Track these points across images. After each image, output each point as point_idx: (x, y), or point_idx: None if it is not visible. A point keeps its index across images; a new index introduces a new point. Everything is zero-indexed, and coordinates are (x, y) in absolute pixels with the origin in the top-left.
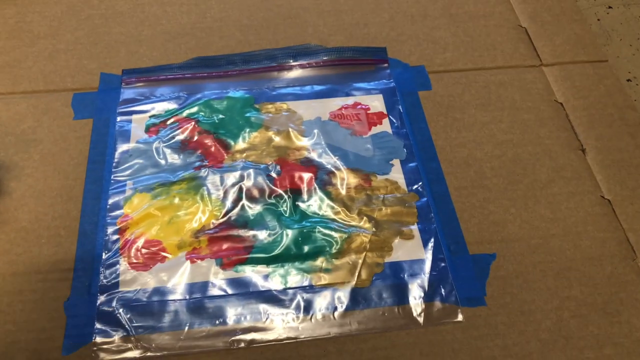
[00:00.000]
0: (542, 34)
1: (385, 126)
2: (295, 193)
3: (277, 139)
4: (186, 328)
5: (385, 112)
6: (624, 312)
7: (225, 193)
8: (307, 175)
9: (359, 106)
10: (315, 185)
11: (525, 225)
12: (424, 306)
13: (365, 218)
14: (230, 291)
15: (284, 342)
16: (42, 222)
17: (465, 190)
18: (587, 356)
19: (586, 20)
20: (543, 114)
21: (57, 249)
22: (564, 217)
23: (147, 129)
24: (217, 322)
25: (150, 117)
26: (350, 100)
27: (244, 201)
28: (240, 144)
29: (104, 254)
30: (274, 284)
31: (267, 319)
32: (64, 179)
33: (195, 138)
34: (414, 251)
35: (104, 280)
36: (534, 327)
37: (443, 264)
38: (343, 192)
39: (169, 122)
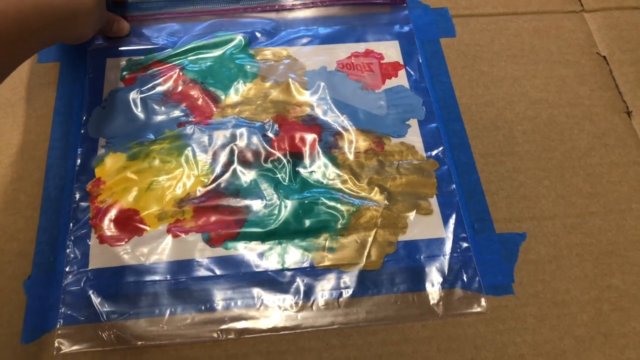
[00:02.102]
0: None
1: (402, 79)
2: (296, 157)
3: (275, 92)
4: (167, 314)
5: (401, 62)
6: None
7: (214, 155)
8: (309, 137)
9: (371, 54)
10: (319, 148)
11: (561, 200)
12: (442, 294)
13: (376, 189)
14: (218, 272)
15: (280, 333)
16: (0, 185)
17: (493, 157)
18: (629, 356)
19: None
20: (583, 69)
21: (15, 216)
22: (605, 191)
23: (123, 77)
24: (203, 307)
25: (127, 61)
26: (361, 48)
27: (236, 165)
28: (232, 97)
29: (71, 224)
30: (270, 263)
31: (261, 305)
32: (25, 133)
33: (180, 88)
34: (433, 229)
35: (71, 256)
36: (569, 321)
37: (466, 245)
38: (351, 157)
39: (149, 70)
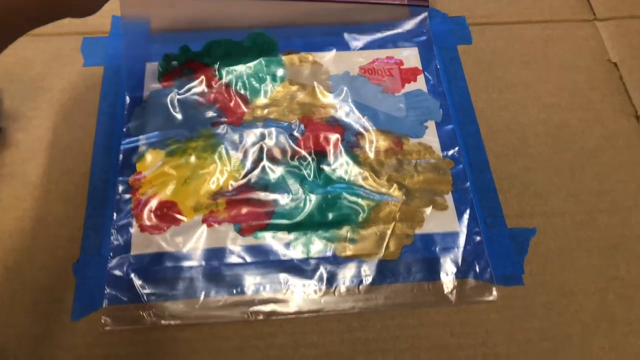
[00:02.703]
0: None
1: (420, 84)
2: (320, 155)
3: (301, 95)
4: (202, 296)
5: (420, 67)
6: None
7: (245, 153)
8: (333, 136)
9: (392, 60)
10: (342, 147)
11: (570, 198)
12: (456, 283)
13: (395, 185)
14: (248, 259)
15: (305, 315)
16: (51, 176)
17: (506, 157)
18: (632, 342)
19: None
20: (594, 75)
21: (66, 206)
22: (613, 190)
23: (161, 76)
24: (234, 291)
25: (163, 57)
26: (382, 54)
27: (265, 162)
28: (262, 99)
29: (114, 214)
30: (296, 253)
31: (287, 290)
32: (74, 131)
33: (214, 90)
34: (448, 223)
35: (115, 242)
36: (575, 308)
37: (478, 238)
38: (372, 155)
39: (184, 71)
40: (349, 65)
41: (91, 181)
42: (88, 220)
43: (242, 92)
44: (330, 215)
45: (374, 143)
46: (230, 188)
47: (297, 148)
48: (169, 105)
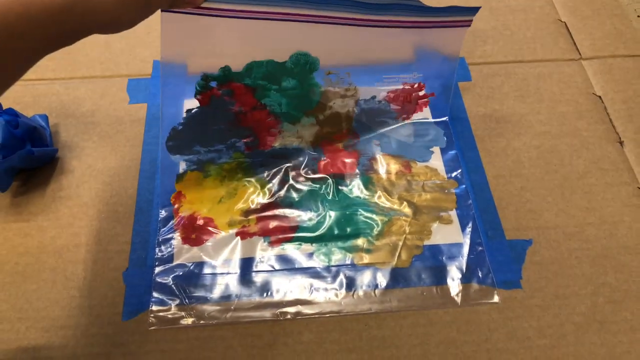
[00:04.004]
0: (581, 28)
1: (427, 114)
2: (338, 177)
3: (327, 128)
4: (236, 300)
5: (427, 99)
6: None
7: (273, 175)
8: (349, 160)
9: (411, 91)
10: (358, 170)
11: (562, 213)
12: (461, 287)
13: (405, 203)
14: (277, 267)
15: (327, 315)
16: (102, 198)
17: (503, 178)
18: (620, 340)
19: (627, 15)
20: (581, 107)
21: (115, 223)
22: (600, 207)
23: (198, 94)
24: (264, 294)
25: (202, 77)
26: (400, 85)
27: (290, 183)
28: (291, 126)
29: (159, 229)
30: (318, 262)
31: (311, 293)
32: (121, 159)
33: (250, 113)
34: (453, 235)
35: (159, 254)
36: (569, 310)
37: (480, 248)
38: (384, 177)
39: (222, 90)
40: (377, 91)
41: (137, 202)
42: (135, 235)
43: (278, 117)
44: (348, 229)
45: (385, 167)
46: (259, 206)
47: (318, 171)
48: (206, 125)
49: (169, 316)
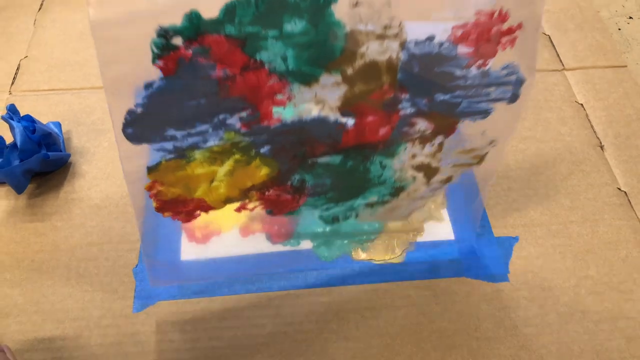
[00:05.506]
0: (564, 41)
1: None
2: (367, 149)
3: (360, 86)
4: (239, 293)
5: (515, 35)
6: (637, 291)
7: (282, 152)
8: (384, 128)
9: (489, 24)
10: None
11: (546, 212)
12: (452, 280)
13: None
14: (279, 262)
15: (327, 304)
16: (112, 200)
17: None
18: (602, 328)
19: (607, 29)
20: (564, 114)
21: (125, 223)
22: (582, 206)
23: (157, 57)
24: (266, 287)
25: (157, 33)
26: (472, 17)
27: (305, 160)
28: (308, 90)
29: (166, 228)
30: (318, 257)
31: (312, 285)
32: None
33: (241, 76)
34: (444, 233)
35: (167, 251)
36: (553, 301)
37: (470, 244)
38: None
39: (193, 48)
40: (435, 28)
41: (146, 202)
42: (145, 234)
43: (285, 79)
44: (348, 228)
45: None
46: (262, 185)
47: (342, 143)
48: (177, 102)
49: (176, 308)
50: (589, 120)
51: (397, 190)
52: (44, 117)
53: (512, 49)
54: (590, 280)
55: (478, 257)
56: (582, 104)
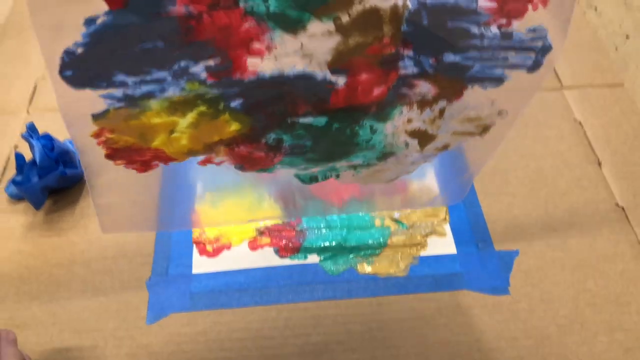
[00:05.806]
0: (563, 60)
1: (540, 17)
2: (357, 111)
3: (357, 37)
4: (249, 305)
5: None
6: (634, 304)
7: (257, 107)
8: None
9: None
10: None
11: (546, 227)
12: (454, 292)
13: (404, 220)
14: (287, 275)
15: (333, 317)
16: None
17: (492, 196)
18: (600, 340)
19: (605, 48)
20: (563, 131)
21: (139, 238)
22: (581, 221)
23: None
24: (275, 300)
25: None
26: None
27: (284, 119)
28: (292, 39)
29: (178, 243)
30: (324, 270)
31: (319, 298)
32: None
33: (210, 15)
34: (446, 247)
35: (179, 265)
36: (552, 313)
37: (472, 258)
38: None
39: None
40: None
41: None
42: (157, 248)
43: (260, 23)
44: (353, 242)
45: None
46: (231, 140)
47: (330, 103)
48: (126, 44)
49: (188, 320)
50: (587, 137)
51: (385, 156)
52: (61, 135)
53: (544, 8)
54: (588, 293)
55: (480, 271)
56: (580, 122)
